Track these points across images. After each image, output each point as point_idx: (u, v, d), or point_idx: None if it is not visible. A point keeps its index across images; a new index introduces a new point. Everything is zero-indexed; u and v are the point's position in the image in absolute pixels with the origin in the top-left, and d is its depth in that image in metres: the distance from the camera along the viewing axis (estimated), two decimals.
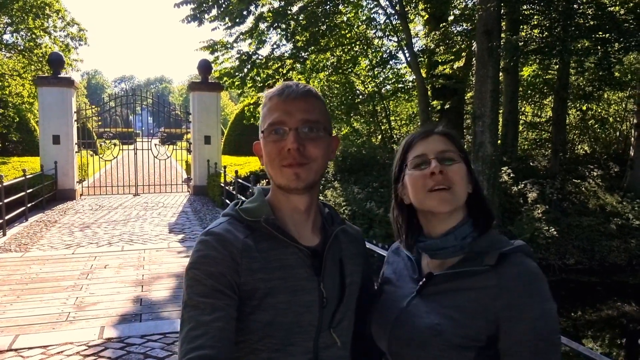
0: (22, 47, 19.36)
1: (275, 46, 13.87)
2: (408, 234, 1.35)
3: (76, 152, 14.62)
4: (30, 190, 11.15)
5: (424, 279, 1.26)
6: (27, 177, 10.80)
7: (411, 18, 15.11)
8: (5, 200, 9.29)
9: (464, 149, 1.29)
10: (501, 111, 12.57)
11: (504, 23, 11.06)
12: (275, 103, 1.21)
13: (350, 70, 16.14)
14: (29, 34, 19.20)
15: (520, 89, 14.87)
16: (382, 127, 16.57)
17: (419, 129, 1.34)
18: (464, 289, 1.20)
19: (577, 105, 15.58)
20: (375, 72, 16.59)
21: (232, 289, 1.11)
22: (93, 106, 18.20)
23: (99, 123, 30.62)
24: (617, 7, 10.87)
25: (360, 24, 15.46)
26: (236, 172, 10.53)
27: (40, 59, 19.16)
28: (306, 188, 1.21)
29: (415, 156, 1.27)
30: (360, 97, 16.59)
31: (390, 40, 15.92)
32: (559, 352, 1.13)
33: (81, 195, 15.03)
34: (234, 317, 1.10)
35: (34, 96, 18.69)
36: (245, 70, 13.53)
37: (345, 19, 14.75)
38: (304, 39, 13.47)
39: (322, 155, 1.21)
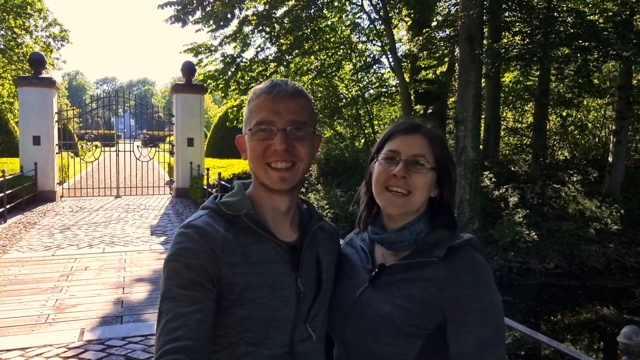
0: (2, 46, 19.08)
1: (259, 49, 13.86)
2: (364, 212, 1.39)
3: (57, 153, 14.44)
4: (10, 191, 10.99)
5: (376, 270, 1.29)
6: (6, 178, 10.64)
7: (395, 23, 15.21)
8: None
9: (443, 154, 1.31)
10: (483, 116, 12.70)
11: (486, 29, 11.21)
12: (263, 101, 1.21)
13: (334, 74, 16.19)
14: (9, 33, 18.94)
15: (502, 94, 15.04)
16: (365, 131, 16.64)
17: (407, 121, 1.35)
18: (415, 280, 1.24)
19: (557, 111, 15.82)
20: (359, 76, 16.66)
21: (212, 282, 1.12)
22: (74, 107, 17.99)
23: (80, 124, 30.26)
24: (596, 16, 11.07)
25: (344, 28, 15.53)
26: (219, 174, 10.48)
27: (21, 59, 18.91)
28: (290, 190, 1.24)
29: (389, 149, 1.30)
30: (344, 100, 16.64)
31: (374, 44, 16.02)
32: (504, 341, 1.19)
33: (61, 197, 14.84)
34: (212, 310, 1.10)
35: (14, 96, 18.45)
36: (230, 73, 13.50)
37: (329, 23, 14.81)
38: (288, 42, 13.49)
39: (308, 155, 1.23)
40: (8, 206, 10.80)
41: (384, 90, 16.72)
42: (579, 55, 10.06)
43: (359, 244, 1.42)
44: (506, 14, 11.31)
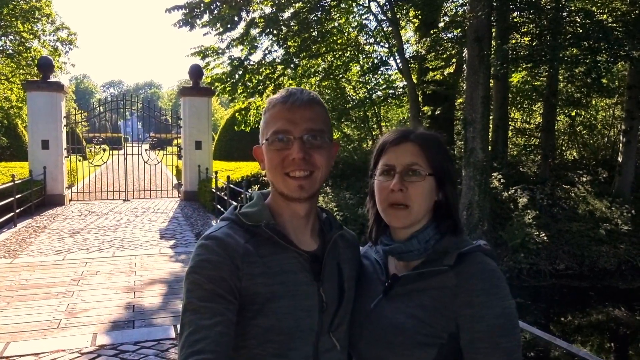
0: (10, 51, 19.19)
1: (266, 52, 13.88)
2: (374, 227, 1.39)
3: (65, 157, 14.51)
4: (19, 195, 11.04)
5: (389, 281, 1.29)
6: (16, 182, 10.70)
7: (402, 24, 15.18)
8: None
9: (438, 156, 1.28)
10: (491, 117, 12.65)
11: (494, 30, 11.16)
12: (279, 110, 1.21)
13: (341, 76, 16.19)
14: (17, 38, 19.05)
15: (510, 95, 14.98)
16: (373, 133, 16.63)
17: (396, 131, 1.34)
18: (427, 289, 1.23)
19: (566, 111, 15.73)
20: (367, 78, 16.66)
21: (233, 294, 1.12)
22: (82, 111, 18.07)
23: (88, 128, 30.44)
24: (605, 16, 10.99)
25: (351, 30, 15.52)
26: (228, 177, 10.49)
27: (29, 63, 19.01)
28: (308, 198, 1.23)
29: (384, 163, 1.29)
30: (352, 102, 16.63)
31: (382, 46, 16.00)
32: (520, 347, 1.17)
33: (70, 200, 14.91)
34: (233, 322, 1.10)
35: (22, 100, 18.54)
36: (237, 76, 13.52)
37: (336, 24, 14.79)
38: (295, 44, 13.49)
39: (325, 163, 1.23)
40: (18, 210, 10.86)
41: (391, 91, 16.70)
42: (588, 56, 9.99)
43: (373, 256, 1.41)
44: (514, 15, 11.26)
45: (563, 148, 16.80)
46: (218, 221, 1.29)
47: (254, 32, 13.06)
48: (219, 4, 11.99)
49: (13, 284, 6.49)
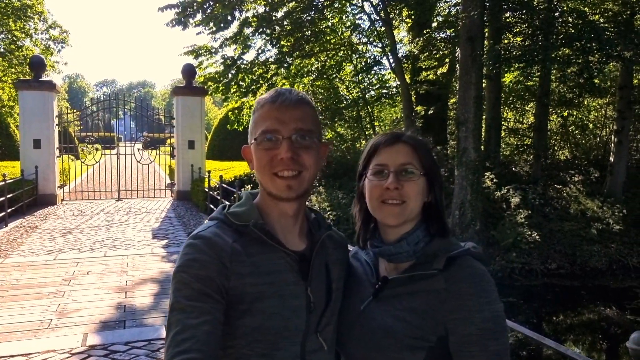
0: (2, 50, 19.07)
1: (260, 51, 13.86)
2: (362, 230, 1.39)
3: (57, 156, 14.43)
4: (10, 195, 10.97)
5: (380, 283, 1.29)
6: (7, 181, 10.63)
7: (395, 24, 15.20)
8: None
9: (429, 158, 1.30)
10: (484, 117, 12.69)
11: (487, 30, 11.19)
12: (268, 110, 1.21)
13: (334, 75, 16.19)
14: (9, 36, 18.93)
15: (502, 95, 15.03)
16: (367, 133, 16.63)
17: (388, 133, 1.35)
18: (416, 292, 1.23)
19: (558, 111, 15.80)
20: (360, 78, 16.66)
21: (220, 293, 1.11)
22: (74, 110, 17.98)
23: (80, 127, 30.26)
24: (597, 16, 11.05)
25: (344, 29, 15.53)
26: (221, 177, 10.48)
27: (21, 62, 18.90)
28: (297, 198, 1.23)
29: (376, 164, 1.29)
30: (345, 102, 16.63)
31: (375, 46, 16.02)
32: (508, 350, 1.18)
33: (62, 200, 14.83)
34: (221, 321, 1.10)
35: (14, 100, 18.44)
36: (230, 75, 13.49)
37: (329, 24, 14.80)
38: (288, 44, 13.48)
39: (314, 163, 1.23)
40: (9, 210, 10.80)
41: (384, 91, 16.72)
42: (580, 56, 10.04)
43: (363, 257, 1.41)
44: (507, 15, 11.30)
45: (555, 148, 16.88)
46: (206, 221, 1.29)
47: (247, 31, 13.03)
48: (212, 3, 11.96)
49: (4, 284, 6.44)
